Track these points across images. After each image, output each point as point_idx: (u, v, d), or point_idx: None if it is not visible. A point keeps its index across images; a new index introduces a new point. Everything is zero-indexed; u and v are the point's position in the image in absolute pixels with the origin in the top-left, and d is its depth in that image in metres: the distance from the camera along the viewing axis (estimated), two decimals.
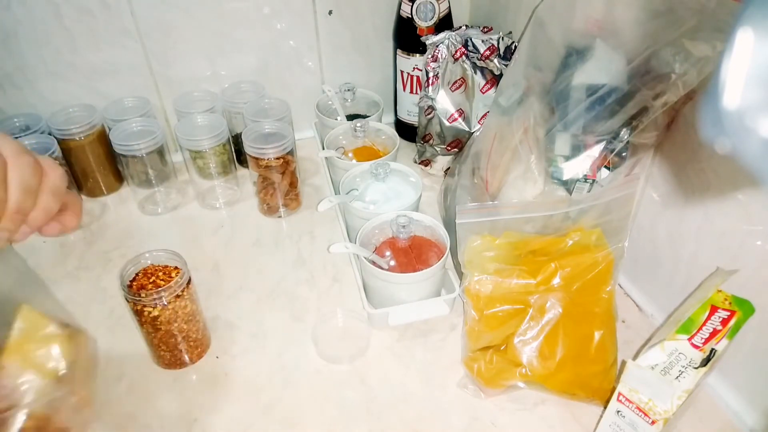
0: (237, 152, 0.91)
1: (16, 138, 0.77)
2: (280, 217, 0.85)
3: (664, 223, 0.63)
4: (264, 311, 0.71)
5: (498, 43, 0.79)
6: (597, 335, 0.58)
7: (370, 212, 0.72)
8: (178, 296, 0.58)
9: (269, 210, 0.85)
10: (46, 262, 0.78)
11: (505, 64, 0.79)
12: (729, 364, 0.56)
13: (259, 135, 0.79)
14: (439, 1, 0.85)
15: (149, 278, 0.59)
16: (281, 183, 0.81)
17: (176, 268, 0.61)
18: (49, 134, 0.80)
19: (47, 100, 0.86)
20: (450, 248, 0.66)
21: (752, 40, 0.17)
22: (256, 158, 0.78)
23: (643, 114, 0.57)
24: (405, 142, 0.97)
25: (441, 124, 0.84)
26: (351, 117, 0.92)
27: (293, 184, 0.83)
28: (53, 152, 0.77)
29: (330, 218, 0.83)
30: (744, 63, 0.17)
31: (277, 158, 0.78)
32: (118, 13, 0.83)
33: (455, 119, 0.83)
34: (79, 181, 0.86)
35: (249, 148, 0.77)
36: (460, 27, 0.82)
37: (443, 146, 0.87)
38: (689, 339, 0.49)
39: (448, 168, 0.88)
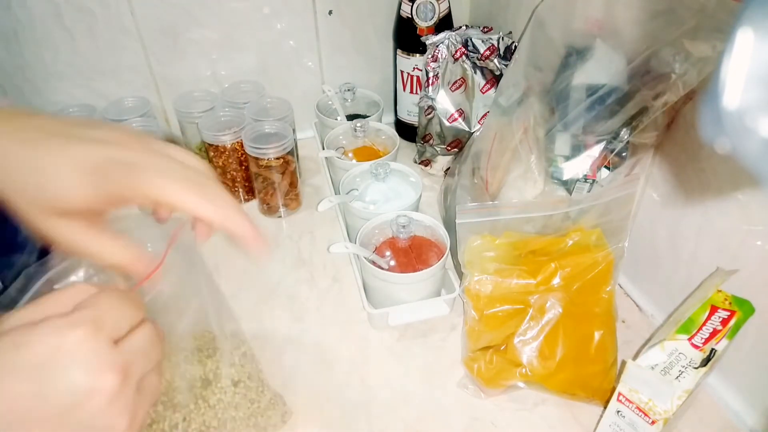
0: None
1: None
2: (280, 217, 0.85)
3: (664, 223, 0.63)
4: (264, 311, 0.71)
5: (498, 43, 0.79)
6: (597, 335, 0.58)
7: (370, 212, 0.72)
8: None
9: (269, 210, 0.85)
10: None
11: (505, 64, 0.79)
12: (729, 364, 0.56)
13: (259, 135, 0.79)
14: (439, 1, 0.85)
15: None
16: (281, 183, 0.81)
17: None
18: None
19: (47, 100, 0.86)
20: (450, 248, 0.66)
21: (752, 40, 0.17)
22: (256, 158, 0.78)
23: (643, 114, 0.57)
24: (405, 142, 0.97)
25: (441, 124, 0.84)
26: (351, 117, 0.92)
27: (293, 184, 0.83)
28: None
29: (330, 218, 0.83)
30: (744, 63, 0.17)
31: (277, 158, 0.78)
32: (118, 13, 0.83)
33: (455, 119, 0.83)
34: None
35: (249, 148, 0.77)
36: (460, 27, 0.82)
37: (443, 146, 0.87)
38: (689, 339, 0.49)
39: (448, 168, 0.88)
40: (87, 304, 0.31)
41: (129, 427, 0.30)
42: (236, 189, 0.87)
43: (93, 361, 0.29)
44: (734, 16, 0.18)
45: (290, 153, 0.79)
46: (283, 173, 0.80)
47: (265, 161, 0.78)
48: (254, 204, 0.88)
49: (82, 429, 0.29)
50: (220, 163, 0.83)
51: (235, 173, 0.84)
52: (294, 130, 0.84)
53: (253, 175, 0.82)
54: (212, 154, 0.83)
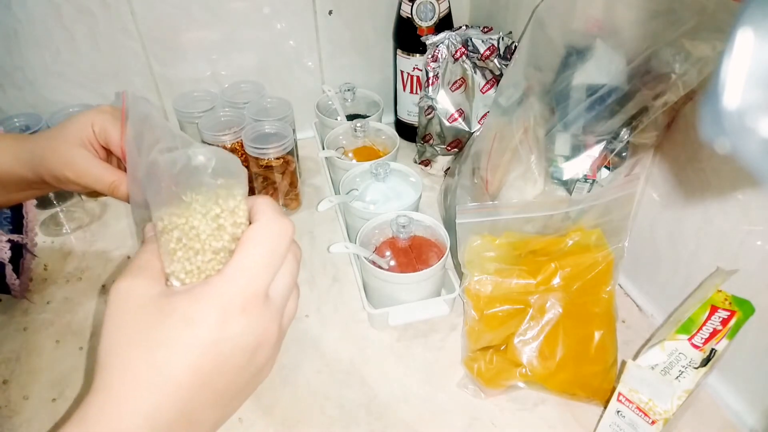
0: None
1: None
2: None
3: (664, 223, 0.63)
4: None
5: (498, 43, 0.79)
6: (597, 335, 0.58)
7: (370, 212, 0.72)
8: None
9: None
10: (47, 262, 0.78)
11: (505, 64, 0.79)
12: (729, 364, 0.56)
13: (259, 135, 0.79)
14: (439, 1, 0.85)
15: None
16: (281, 183, 0.81)
17: None
18: None
19: (47, 100, 0.86)
20: (450, 248, 0.66)
21: (752, 40, 0.17)
22: (257, 158, 0.78)
23: (643, 114, 0.57)
24: (405, 142, 0.97)
25: (441, 124, 0.84)
26: (351, 117, 0.92)
27: (293, 184, 0.83)
28: None
29: (330, 218, 0.83)
30: (744, 63, 0.17)
31: (278, 158, 0.78)
32: (118, 13, 0.83)
33: (455, 119, 0.83)
34: None
35: (249, 148, 0.77)
36: (460, 27, 0.82)
37: (443, 146, 0.87)
38: (689, 339, 0.49)
39: (448, 168, 0.88)
40: (236, 272, 0.34)
41: (279, 339, 0.37)
42: None
43: (258, 326, 0.33)
44: (734, 16, 0.18)
45: (290, 153, 0.79)
46: (283, 173, 0.80)
47: (265, 161, 0.78)
48: None
49: (254, 368, 0.35)
50: None
51: None
52: (294, 130, 0.84)
53: (254, 175, 0.82)
54: None
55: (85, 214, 0.85)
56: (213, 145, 0.80)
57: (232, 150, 0.81)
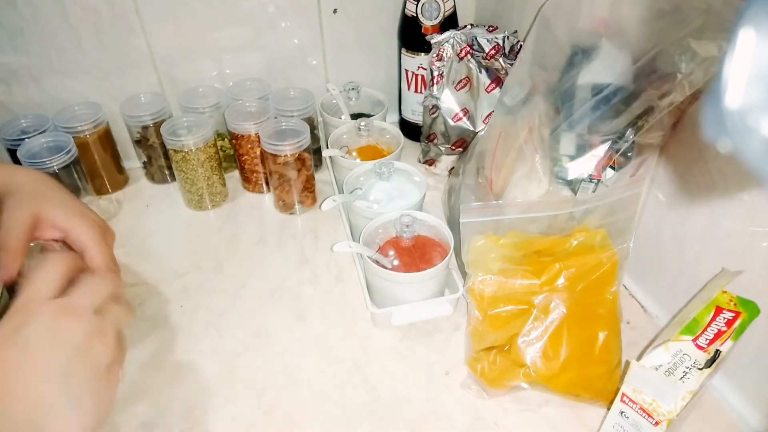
0: None
1: (30, 137, 0.78)
2: (293, 213, 0.85)
3: (669, 224, 0.63)
4: (267, 310, 0.71)
5: (503, 43, 0.79)
6: (601, 336, 0.58)
7: (373, 211, 0.72)
8: None
9: (284, 207, 0.85)
10: None
11: (510, 64, 0.79)
12: (734, 366, 0.55)
13: (275, 131, 0.79)
14: (445, 0, 0.85)
15: None
16: (296, 180, 0.81)
17: None
18: None
19: (52, 98, 0.87)
20: (454, 248, 0.66)
21: (754, 39, 0.17)
22: (273, 155, 0.78)
23: (649, 114, 0.57)
24: (409, 142, 0.96)
25: (445, 123, 0.84)
26: (355, 116, 0.92)
27: (309, 181, 0.83)
28: (70, 150, 0.77)
29: (333, 217, 0.83)
30: (746, 63, 0.17)
31: (293, 155, 0.78)
32: (123, 11, 0.83)
33: (460, 118, 0.83)
34: (85, 178, 0.86)
35: (266, 145, 0.78)
36: (466, 26, 0.82)
37: (448, 146, 0.87)
38: (694, 340, 0.48)
39: (453, 167, 0.88)
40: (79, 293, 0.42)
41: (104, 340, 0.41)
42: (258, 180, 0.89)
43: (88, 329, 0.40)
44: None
45: (306, 150, 0.80)
46: (299, 170, 0.80)
47: (282, 158, 0.78)
48: (257, 202, 0.88)
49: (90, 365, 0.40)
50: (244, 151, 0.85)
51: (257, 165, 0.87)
52: (315, 125, 0.86)
53: (269, 172, 0.82)
54: (236, 143, 0.84)
55: (99, 212, 0.85)
56: (237, 134, 0.83)
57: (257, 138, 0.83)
